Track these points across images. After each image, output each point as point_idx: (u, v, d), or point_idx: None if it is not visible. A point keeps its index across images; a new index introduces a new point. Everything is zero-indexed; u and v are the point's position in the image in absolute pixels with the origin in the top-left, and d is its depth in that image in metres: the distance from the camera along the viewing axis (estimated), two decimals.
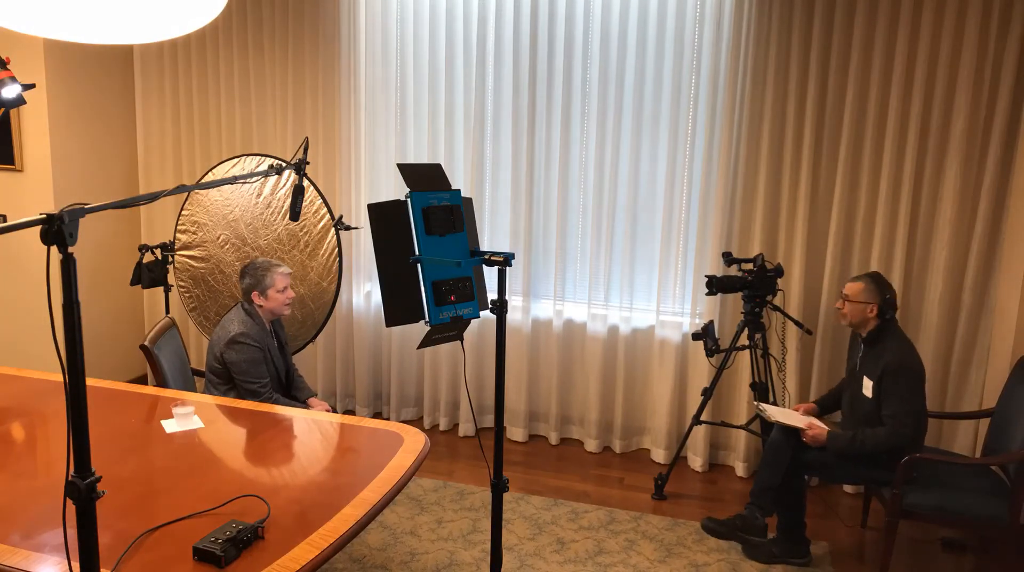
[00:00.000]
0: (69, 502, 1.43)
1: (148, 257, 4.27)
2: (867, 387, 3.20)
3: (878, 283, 3.23)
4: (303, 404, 3.54)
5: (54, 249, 1.37)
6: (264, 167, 4.08)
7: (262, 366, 3.33)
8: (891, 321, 3.22)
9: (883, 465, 3.12)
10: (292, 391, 3.62)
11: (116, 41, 2.21)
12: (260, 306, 3.41)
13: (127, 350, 5.16)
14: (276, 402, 3.27)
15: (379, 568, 3.21)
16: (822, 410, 3.54)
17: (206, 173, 4.35)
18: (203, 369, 3.50)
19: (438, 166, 2.30)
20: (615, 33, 4.15)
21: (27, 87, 2.71)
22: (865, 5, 3.76)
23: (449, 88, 4.43)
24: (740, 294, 3.93)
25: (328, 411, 3.47)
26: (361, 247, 4.71)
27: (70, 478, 1.43)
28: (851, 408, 3.33)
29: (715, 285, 3.75)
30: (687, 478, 4.20)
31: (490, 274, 3.97)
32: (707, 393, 3.91)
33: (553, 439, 4.57)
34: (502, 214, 4.50)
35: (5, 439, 2.55)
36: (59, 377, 3.15)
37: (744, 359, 4.18)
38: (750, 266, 3.83)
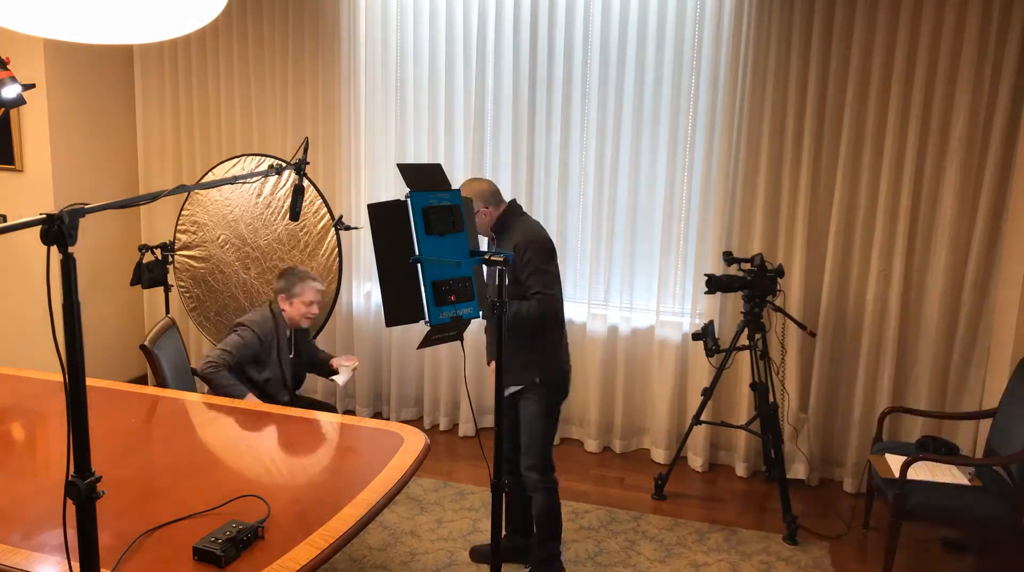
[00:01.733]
0: (69, 502, 1.43)
1: (148, 257, 4.27)
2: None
3: (477, 185, 3.05)
4: (294, 398, 3.57)
5: (54, 249, 1.37)
6: (264, 167, 4.08)
7: (243, 353, 3.38)
8: (516, 211, 3.06)
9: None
10: (299, 388, 3.71)
11: (116, 41, 2.21)
12: (284, 310, 3.53)
13: (127, 350, 5.16)
14: (221, 380, 3.27)
15: (379, 568, 3.21)
16: None
17: (206, 173, 4.35)
18: None
19: (438, 166, 2.30)
20: (615, 33, 4.15)
21: (27, 87, 2.71)
22: (865, 5, 3.76)
23: (449, 88, 4.43)
24: (740, 294, 3.93)
25: (353, 365, 3.60)
26: (361, 247, 4.71)
27: (70, 478, 1.43)
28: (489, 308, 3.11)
29: (714, 284, 3.75)
30: (687, 478, 4.20)
31: None
32: (707, 393, 3.91)
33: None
34: None
35: (5, 439, 2.55)
36: (59, 377, 3.14)
37: (744, 359, 4.18)
38: (749, 266, 3.83)
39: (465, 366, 4.63)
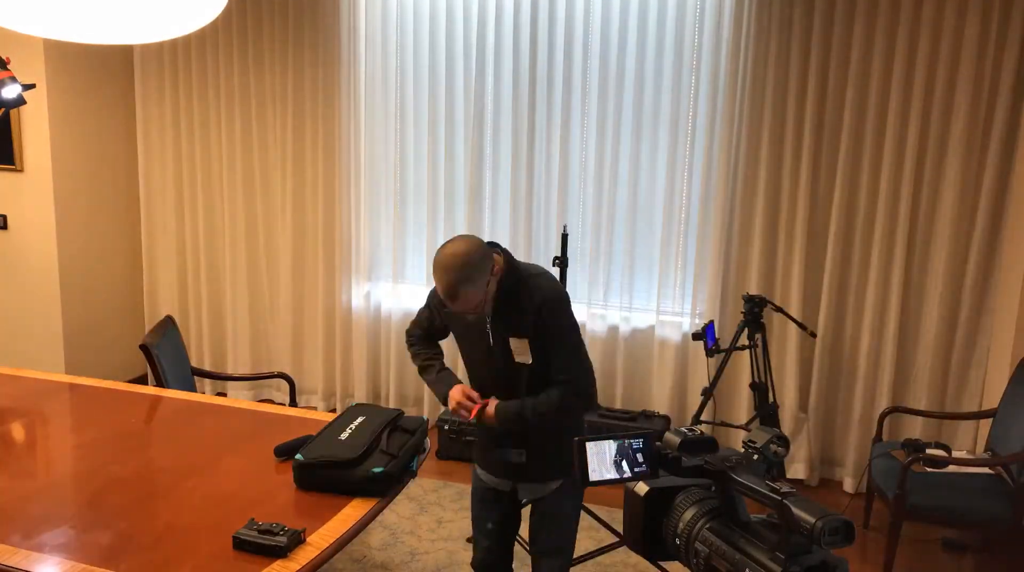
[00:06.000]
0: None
1: None
2: (519, 350, 2.27)
3: (469, 257, 2.12)
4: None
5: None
6: None
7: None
8: (514, 268, 2.25)
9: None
10: None
11: (116, 41, 2.21)
12: None
13: (127, 350, 5.15)
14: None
15: (379, 568, 3.21)
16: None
17: None
18: (203, 368, 3.50)
19: None
20: (615, 33, 4.15)
21: (27, 87, 2.72)
22: (865, 5, 3.76)
23: (449, 89, 4.43)
24: (740, 294, 3.93)
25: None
26: (361, 247, 4.71)
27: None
28: (503, 388, 2.34)
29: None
30: None
31: None
32: (707, 393, 3.91)
33: None
34: (502, 214, 4.50)
35: (5, 439, 2.55)
36: (59, 377, 3.15)
37: (744, 359, 4.17)
38: None
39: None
